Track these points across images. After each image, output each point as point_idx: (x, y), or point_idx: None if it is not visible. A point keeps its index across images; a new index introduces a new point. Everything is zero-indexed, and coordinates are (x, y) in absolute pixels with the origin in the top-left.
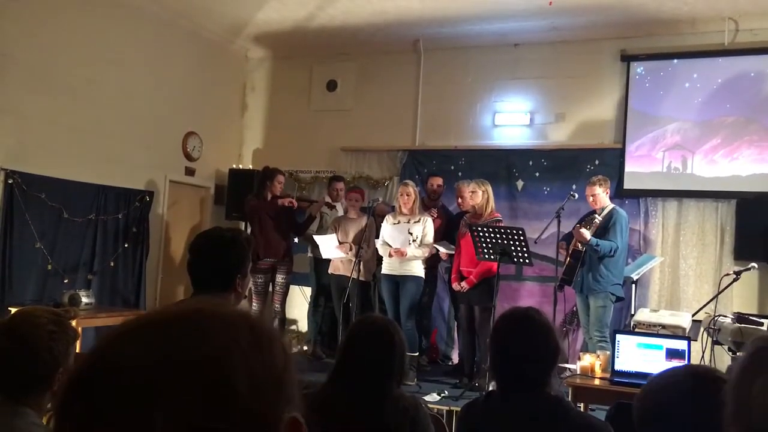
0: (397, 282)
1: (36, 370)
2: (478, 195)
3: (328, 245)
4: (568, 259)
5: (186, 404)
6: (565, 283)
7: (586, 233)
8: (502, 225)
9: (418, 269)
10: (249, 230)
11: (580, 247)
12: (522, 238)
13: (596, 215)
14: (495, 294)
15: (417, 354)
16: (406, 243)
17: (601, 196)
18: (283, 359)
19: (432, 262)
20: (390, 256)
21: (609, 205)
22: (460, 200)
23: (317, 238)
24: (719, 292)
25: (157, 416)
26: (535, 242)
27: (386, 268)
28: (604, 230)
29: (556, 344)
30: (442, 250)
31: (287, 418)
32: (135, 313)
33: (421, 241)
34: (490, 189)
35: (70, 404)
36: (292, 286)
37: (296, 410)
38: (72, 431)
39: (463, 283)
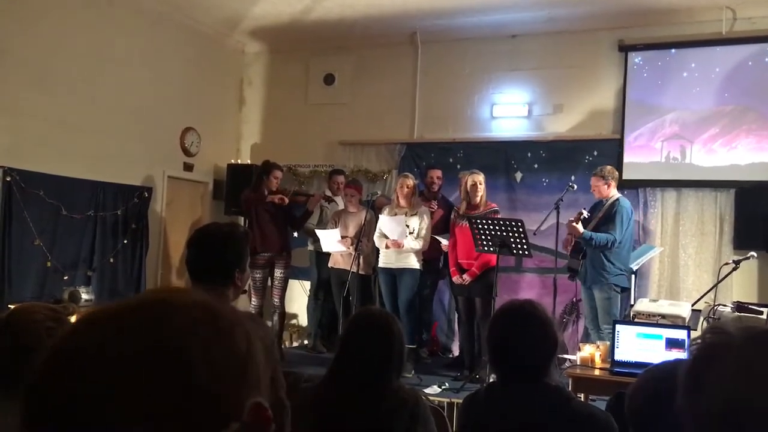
0: (395, 275)
1: (33, 367)
2: (483, 187)
3: (331, 239)
4: (571, 251)
5: (140, 393)
6: (574, 273)
7: (579, 227)
8: (501, 216)
9: (414, 262)
10: (247, 225)
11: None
12: (521, 229)
13: (583, 210)
14: (495, 285)
15: (415, 346)
16: (404, 235)
17: (602, 187)
18: (245, 345)
19: (433, 254)
20: (387, 247)
21: (613, 196)
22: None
23: (319, 233)
24: (719, 282)
25: (111, 406)
26: (534, 234)
27: (383, 262)
28: (606, 221)
29: (554, 336)
30: (444, 241)
31: (251, 403)
32: None
33: (417, 234)
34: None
35: (33, 400)
36: (291, 281)
37: (261, 395)
38: (35, 428)
39: (465, 276)
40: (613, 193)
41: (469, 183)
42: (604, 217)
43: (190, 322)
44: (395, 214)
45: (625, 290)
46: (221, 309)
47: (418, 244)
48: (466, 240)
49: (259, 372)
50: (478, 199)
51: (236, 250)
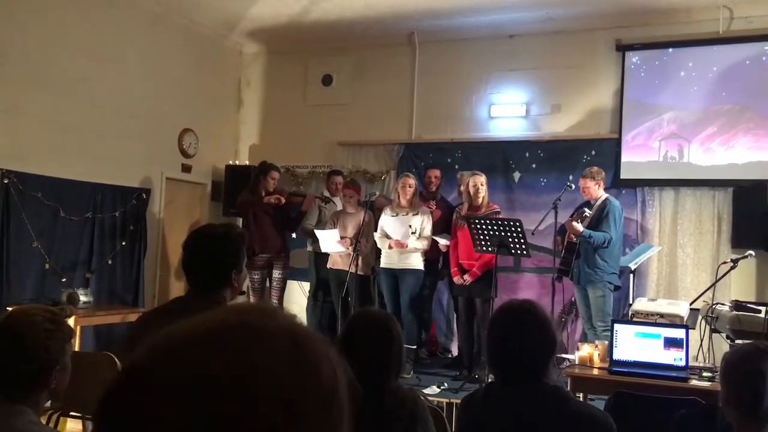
0: (396, 276)
1: (32, 368)
2: (485, 188)
3: (330, 240)
4: (563, 251)
5: (198, 422)
6: (562, 274)
7: (579, 226)
8: (500, 217)
9: (417, 262)
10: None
11: (574, 239)
12: (519, 229)
13: (586, 209)
14: (495, 285)
15: (415, 347)
16: (407, 235)
17: (593, 188)
18: (331, 380)
19: (432, 254)
20: (390, 248)
21: (602, 196)
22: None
23: (318, 233)
24: (717, 281)
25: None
26: (533, 233)
27: (385, 262)
28: (598, 221)
29: (553, 336)
30: (442, 242)
31: None
32: (133, 311)
33: (419, 234)
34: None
35: (101, 416)
36: (290, 282)
37: None
38: None
39: (466, 276)
40: (602, 193)
41: (471, 184)
42: (596, 217)
43: (265, 349)
44: (396, 215)
45: (618, 288)
46: (309, 338)
47: (421, 244)
48: (467, 241)
49: (343, 412)
50: (480, 200)
51: (232, 251)
